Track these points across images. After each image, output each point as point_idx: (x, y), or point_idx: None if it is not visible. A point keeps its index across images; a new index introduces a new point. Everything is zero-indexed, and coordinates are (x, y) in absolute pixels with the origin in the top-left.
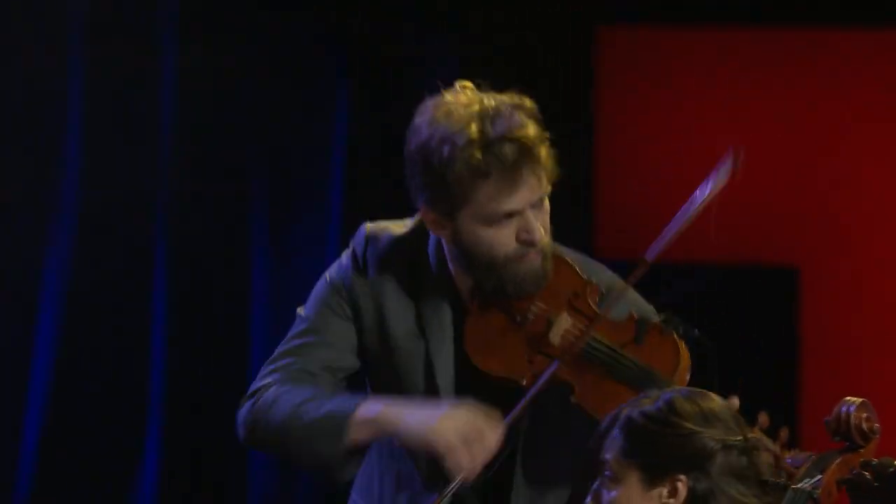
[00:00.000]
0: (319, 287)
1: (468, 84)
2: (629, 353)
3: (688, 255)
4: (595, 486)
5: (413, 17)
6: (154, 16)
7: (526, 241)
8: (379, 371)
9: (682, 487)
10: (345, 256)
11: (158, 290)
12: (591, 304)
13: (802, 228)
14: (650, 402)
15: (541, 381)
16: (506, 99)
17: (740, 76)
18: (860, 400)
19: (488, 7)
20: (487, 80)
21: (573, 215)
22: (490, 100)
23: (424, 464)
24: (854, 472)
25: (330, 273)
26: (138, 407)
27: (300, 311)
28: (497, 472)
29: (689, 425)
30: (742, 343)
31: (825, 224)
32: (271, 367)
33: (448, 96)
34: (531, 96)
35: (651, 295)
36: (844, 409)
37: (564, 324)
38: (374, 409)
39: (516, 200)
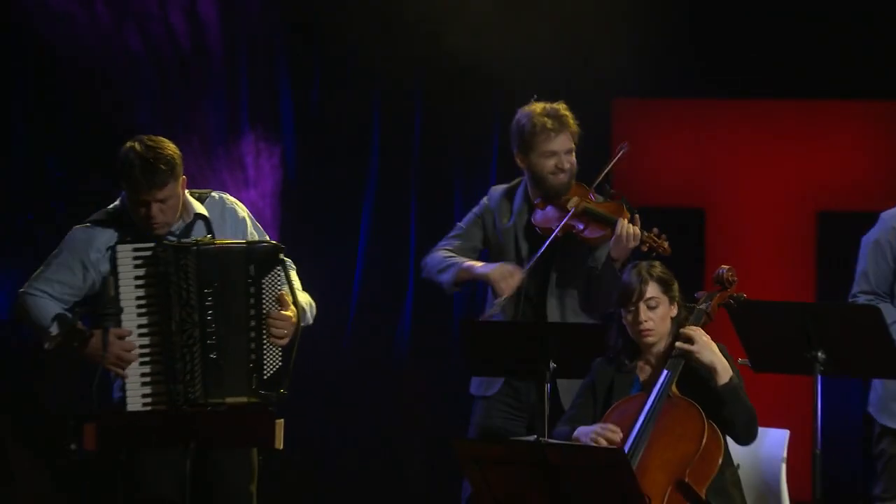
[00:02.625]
0: (473, 210)
1: (538, 99)
2: (601, 209)
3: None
4: (642, 309)
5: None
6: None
7: (559, 168)
8: (493, 249)
9: (678, 304)
10: (484, 198)
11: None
12: (590, 195)
13: (708, 182)
14: (658, 268)
15: (560, 226)
16: (554, 104)
17: (698, 127)
18: (728, 266)
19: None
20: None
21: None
22: (548, 104)
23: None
24: (726, 300)
25: (478, 205)
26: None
27: (460, 223)
28: (535, 293)
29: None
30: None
31: (724, 179)
32: (446, 240)
33: (531, 103)
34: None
35: None
36: (720, 270)
37: (575, 201)
38: (468, 265)
39: (556, 145)
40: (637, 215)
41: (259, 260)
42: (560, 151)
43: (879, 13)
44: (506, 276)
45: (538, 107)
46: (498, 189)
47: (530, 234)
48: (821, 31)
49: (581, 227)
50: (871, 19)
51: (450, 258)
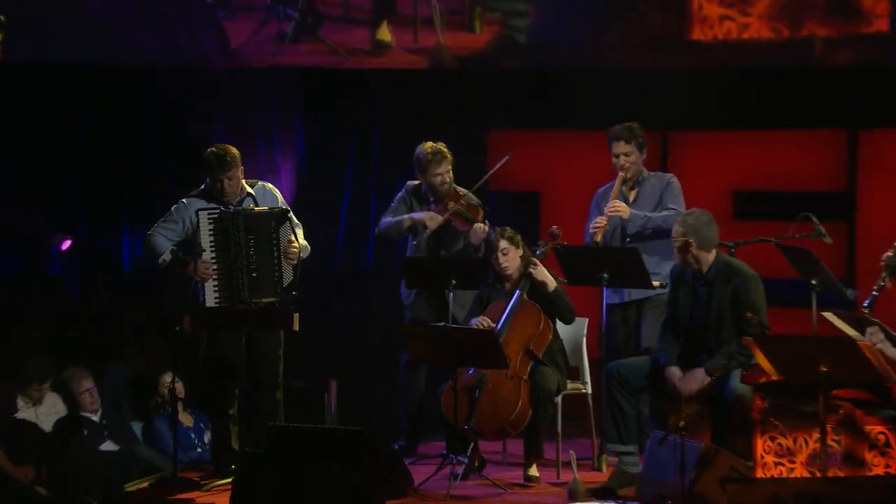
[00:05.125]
0: (399, 195)
1: (429, 142)
2: (465, 210)
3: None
4: (499, 256)
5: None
6: None
7: (442, 182)
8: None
9: (522, 248)
10: (403, 190)
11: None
12: (463, 200)
13: (543, 175)
14: (508, 231)
15: (444, 218)
16: (437, 143)
17: (539, 145)
18: (556, 226)
19: (428, 118)
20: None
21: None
22: (434, 143)
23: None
24: (555, 246)
25: (401, 192)
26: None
27: (392, 204)
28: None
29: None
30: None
31: (552, 174)
32: (387, 213)
33: (424, 143)
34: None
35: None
36: (552, 228)
37: (452, 205)
38: (408, 216)
39: (440, 170)
40: (486, 221)
41: (277, 218)
42: (442, 173)
43: (629, 84)
44: (433, 217)
45: (428, 146)
46: (411, 185)
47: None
48: (597, 91)
49: (454, 221)
50: (624, 88)
51: (393, 219)
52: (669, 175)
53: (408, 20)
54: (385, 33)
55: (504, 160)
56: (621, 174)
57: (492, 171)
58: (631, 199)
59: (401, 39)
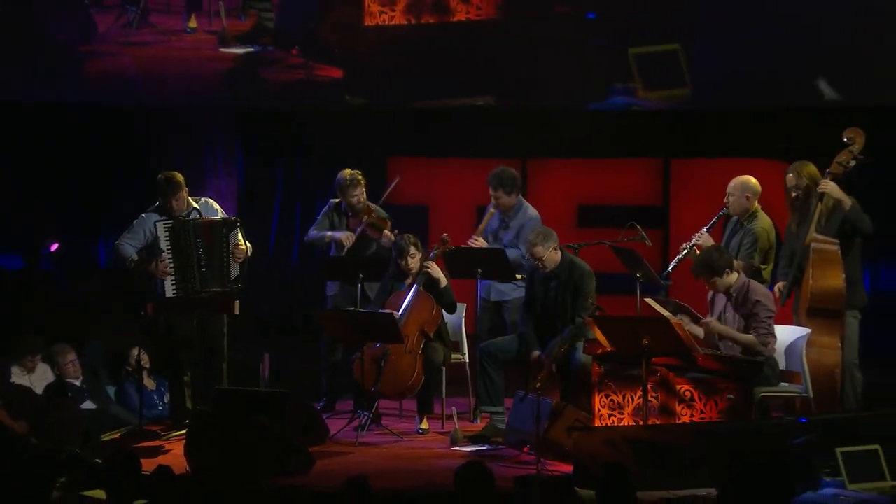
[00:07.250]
0: (323, 210)
1: (348, 169)
2: (375, 221)
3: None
4: (407, 259)
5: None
6: None
7: (358, 202)
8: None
9: (420, 252)
10: (327, 206)
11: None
12: (374, 213)
13: (431, 192)
14: (412, 238)
15: (358, 232)
16: (354, 170)
17: (430, 169)
18: (446, 233)
19: (340, 149)
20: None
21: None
22: (351, 171)
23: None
24: (445, 249)
25: (325, 208)
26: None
27: (318, 217)
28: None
29: None
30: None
31: (439, 192)
32: (314, 226)
33: (344, 170)
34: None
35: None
36: (443, 235)
37: (366, 218)
38: (330, 234)
39: (355, 192)
40: (395, 230)
41: (228, 226)
42: (358, 194)
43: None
44: (348, 237)
45: (347, 173)
46: (333, 202)
47: (349, 229)
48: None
49: (368, 231)
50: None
51: (319, 233)
52: (529, 216)
53: (206, 13)
54: (193, 22)
55: (395, 182)
56: (491, 209)
57: (387, 192)
58: (506, 226)
59: (201, 24)
